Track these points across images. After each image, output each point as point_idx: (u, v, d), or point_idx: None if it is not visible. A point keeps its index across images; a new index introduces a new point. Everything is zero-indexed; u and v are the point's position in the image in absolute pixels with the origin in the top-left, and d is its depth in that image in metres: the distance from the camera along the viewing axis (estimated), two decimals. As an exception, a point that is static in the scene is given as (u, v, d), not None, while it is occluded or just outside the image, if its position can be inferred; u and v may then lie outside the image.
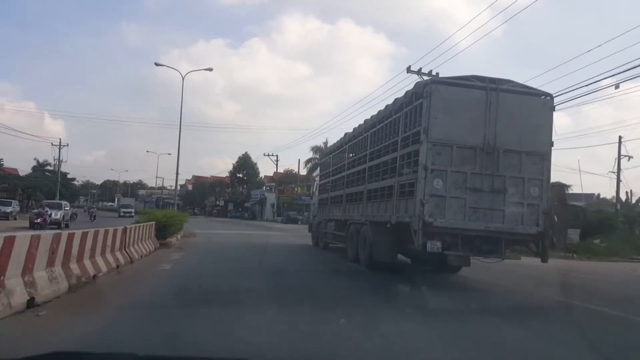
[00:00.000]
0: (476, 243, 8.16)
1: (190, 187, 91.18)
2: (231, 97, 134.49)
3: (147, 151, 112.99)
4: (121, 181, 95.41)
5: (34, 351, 2.27)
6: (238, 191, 76.94)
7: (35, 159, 56.02)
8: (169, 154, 65.44)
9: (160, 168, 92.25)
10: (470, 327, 5.47)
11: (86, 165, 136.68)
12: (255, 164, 72.89)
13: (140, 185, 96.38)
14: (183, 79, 26.79)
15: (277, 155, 55.11)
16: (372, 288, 8.34)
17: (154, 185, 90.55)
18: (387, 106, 10.42)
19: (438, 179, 8.00)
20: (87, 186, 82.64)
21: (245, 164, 73.52)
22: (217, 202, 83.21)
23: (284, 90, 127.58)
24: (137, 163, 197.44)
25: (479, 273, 9.92)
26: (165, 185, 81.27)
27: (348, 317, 5.36)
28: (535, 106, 8.55)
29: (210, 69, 33.93)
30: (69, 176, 55.09)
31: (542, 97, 8.76)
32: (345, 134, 14.58)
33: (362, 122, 12.52)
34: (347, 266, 11.31)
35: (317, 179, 18.85)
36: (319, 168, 20.01)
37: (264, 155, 55.20)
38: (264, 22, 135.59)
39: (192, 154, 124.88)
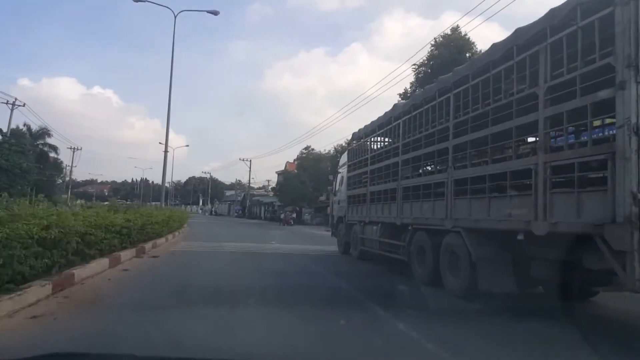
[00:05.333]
0: None
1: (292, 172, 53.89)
2: (331, 103, 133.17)
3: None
4: (227, 182, 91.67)
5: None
6: None
7: (27, 125, 37.32)
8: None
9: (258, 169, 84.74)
10: None
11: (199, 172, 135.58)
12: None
13: (238, 185, 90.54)
14: (175, 18, 23.22)
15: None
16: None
17: (253, 186, 78.38)
18: (494, 44, 6.57)
19: (661, 151, 4.19)
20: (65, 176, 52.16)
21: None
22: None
23: (384, 92, 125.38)
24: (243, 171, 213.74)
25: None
26: (256, 183, 69.96)
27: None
28: None
29: (215, 12, 26.68)
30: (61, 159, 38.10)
31: None
32: (395, 105, 10.72)
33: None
34: (435, 297, 7.40)
35: (344, 170, 14.87)
36: (345, 155, 15.86)
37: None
38: (364, 25, 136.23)
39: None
